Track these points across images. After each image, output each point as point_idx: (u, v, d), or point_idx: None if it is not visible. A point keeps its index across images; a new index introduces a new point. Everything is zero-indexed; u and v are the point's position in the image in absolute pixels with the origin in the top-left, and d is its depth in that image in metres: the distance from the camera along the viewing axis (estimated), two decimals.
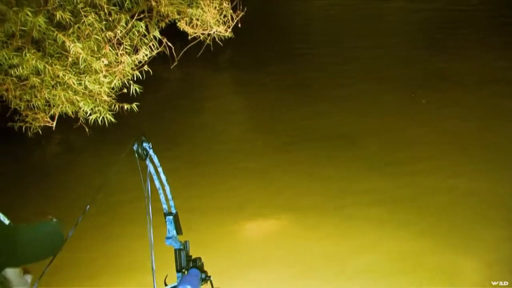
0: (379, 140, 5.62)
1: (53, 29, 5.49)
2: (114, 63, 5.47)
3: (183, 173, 5.07)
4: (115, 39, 5.47)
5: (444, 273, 3.85)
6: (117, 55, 5.47)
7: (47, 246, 1.37)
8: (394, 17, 8.60)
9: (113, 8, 5.75)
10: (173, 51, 6.66)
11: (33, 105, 5.66)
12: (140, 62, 5.66)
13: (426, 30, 8.27)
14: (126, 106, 5.44)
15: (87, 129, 5.58)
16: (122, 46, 5.44)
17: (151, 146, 1.82)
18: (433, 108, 6.15)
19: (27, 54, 5.26)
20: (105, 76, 5.36)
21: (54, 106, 5.66)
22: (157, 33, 5.77)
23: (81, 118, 5.52)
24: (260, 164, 5.30)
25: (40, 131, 5.78)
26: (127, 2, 5.92)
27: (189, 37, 6.56)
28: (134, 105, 5.41)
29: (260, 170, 5.20)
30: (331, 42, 7.31)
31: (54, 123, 5.81)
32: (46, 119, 5.79)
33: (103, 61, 5.19)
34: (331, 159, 5.33)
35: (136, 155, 1.81)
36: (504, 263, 3.88)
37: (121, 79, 5.45)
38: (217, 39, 6.70)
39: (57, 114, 5.77)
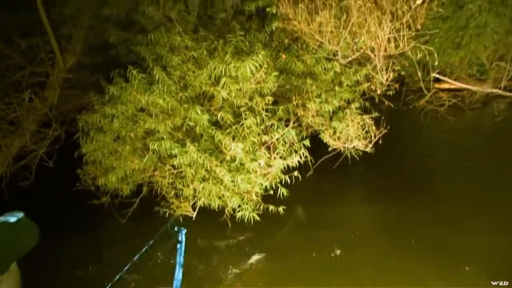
0: None
1: (212, 127, 5.96)
2: (266, 165, 5.74)
3: None
4: (270, 143, 5.79)
5: None
6: (269, 159, 5.76)
7: (20, 243, 1.32)
8: None
9: (267, 114, 6.17)
10: (310, 160, 6.86)
11: (181, 193, 6.00)
12: (288, 167, 5.90)
13: None
14: (271, 208, 5.59)
15: (229, 224, 5.74)
16: (276, 150, 5.73)
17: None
18: None
19: (190, 147, 5.69)
20: (256, 177, 5.61)
21: (199, 198, 5.94)
22: (307, 142, 6.03)
23: (227, 213, 5.71)
24: None
25: (181, 219, 6.05)
26: (279, 111, 6.30)
27: (329, 149, 6.76)
28: (281, 208, 5.53)
29: None
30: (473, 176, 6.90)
31: (195, 214, 6.07)
32: (188, 209, 6.07)
33: (259, 163, 5.47)
34: None
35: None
36: None
37: (271, 181, 5.67)
38: (353, 153, 6.85)
39: (199, 205, 6.04)
